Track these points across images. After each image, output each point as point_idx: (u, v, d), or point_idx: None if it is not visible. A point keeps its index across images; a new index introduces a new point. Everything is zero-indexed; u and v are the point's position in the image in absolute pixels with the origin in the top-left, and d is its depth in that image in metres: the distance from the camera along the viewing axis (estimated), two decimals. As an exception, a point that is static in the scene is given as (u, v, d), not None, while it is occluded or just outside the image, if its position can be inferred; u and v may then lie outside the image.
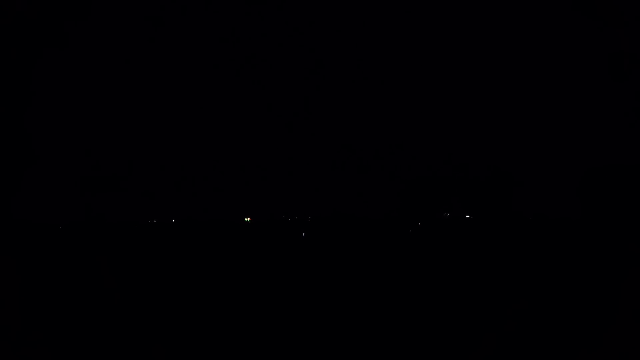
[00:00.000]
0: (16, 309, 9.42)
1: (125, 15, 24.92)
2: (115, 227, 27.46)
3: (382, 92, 27.99)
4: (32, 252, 17.56)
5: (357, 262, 17.61)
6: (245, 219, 31.96)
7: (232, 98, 28.80)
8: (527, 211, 25.94)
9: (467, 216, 28.46)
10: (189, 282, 13.25)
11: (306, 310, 9.96)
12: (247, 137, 29.65)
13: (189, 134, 28.37)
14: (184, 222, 30.38)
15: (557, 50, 23.74)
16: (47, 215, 25.38)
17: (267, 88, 28.87)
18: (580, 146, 23.28)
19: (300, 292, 11.79)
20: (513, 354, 7.39)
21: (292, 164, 29.37)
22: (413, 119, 27.96)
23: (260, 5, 25.95)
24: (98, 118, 26.62)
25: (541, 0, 23.03)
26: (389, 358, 7.44)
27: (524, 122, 25.78)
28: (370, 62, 27.57)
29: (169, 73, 27.77)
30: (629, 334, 7.67)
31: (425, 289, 11.99)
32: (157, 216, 30.52)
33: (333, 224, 30.95)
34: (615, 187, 20.94)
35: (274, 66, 28.20)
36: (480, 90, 26.46)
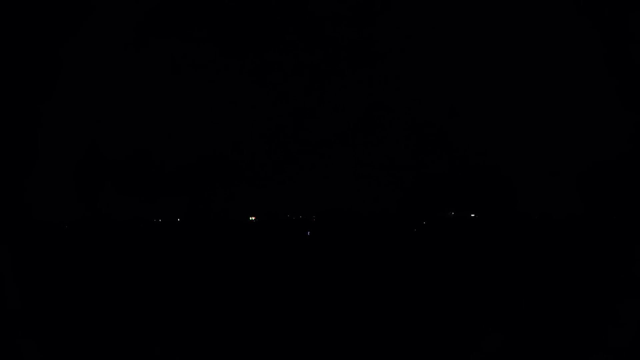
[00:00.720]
0: (17, 307, 9.46)
1: (127, 15, 24.97)
2: (121, 225, 27.56)
3: (388, 92, 28.00)
4: (35, 250, 17.62)
5: (362, 261, 17.62)
6: (250, 218, 32.04)
7: (237, 98, 28.85)
8: (531, 209, 25.92)
9: (472, 215, 28.46)
10: (194, 280, 13.29)
11: (311, 308, 9.97)
12: (252, 137, 29.70)
13: (193, 134, 28.44)
14: (188, 221, 30.47)
15: (559, 50, 23.71)
16: (51, 214, 25.47)
17: (272, 88, 28.91)
18: (582, 145, 23.25)
19: (305, 290, 11.80)
20: (519, 349, 7.40)
21: (296, 163, 29.40)
22: (417, 119, 27.95)
23: (269, 7, 25.97)
24: (103, 118, 26.69)
25: (541, 2, 23.03)
26: (395, 354, 7.45)
27: (527, 122, 25.76)
28: (377, 63, 27.57)
29: (172, 73, 27.83)
30: (632, 330, 7.68)
31: (429, 287, 11.99)
32: (162, 215, 30.63)
33: (338, 222, 30.95)
34: (618, 184, 20.91)
35: (279, 66, 28.23)
36: (484, 91, 26.45)
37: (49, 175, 24.76)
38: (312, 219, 30.13)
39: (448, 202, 28.68)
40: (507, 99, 26.06)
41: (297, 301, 10.68)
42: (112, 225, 26.95)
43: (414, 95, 27.83)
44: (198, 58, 27.60)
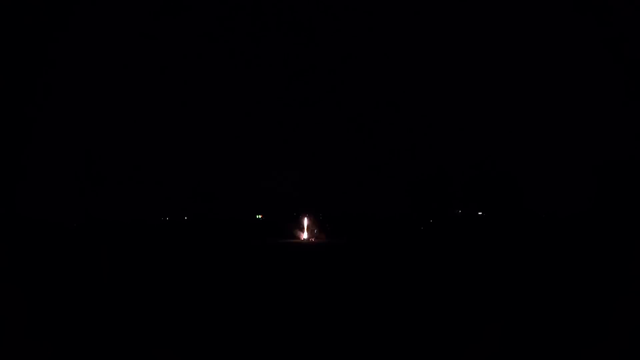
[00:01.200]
0: (18, 307, 9.56)
1: (127, 13, 25.09)
2: (127, 225, 27.80)
3: (394, 90, 27.96)
4: (38, 250, 17.78)
5: (368, 260, 17.64)
6: (257, 216, 32.24)
7: (242, 96, 28.94)
8: (539, 208, 25.79)
9: (479, 213, 28.35)
10: (201, 278, 13.37)
11: (317, 309, 9.99)
12: (258, 136, 29.80)
13: (199, 133, 28.60)
14: (195, 220, 30.71)
15: (565, 50, 23.52)
16: (54, 215, 25.70)
17: (277, 88, 28.98)
18: (589, 144, 23.08)
19: (311, 291, 11.83)
20: (520, 347, 7.38)
21: (303, 162, 29.47)
22: (425, 117, 27.89)
23: (277, 7, 26.01)
24: (107, 116, 26.93)
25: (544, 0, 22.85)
26: (401, 351, 7.46)
27: (534, 121, 25.60)
28: (382, 62, 27.53)
29: (174, 73, 27.98)
30: (633, 330, 7.63)
31: (437, 284, 11.98)
32: (169, 214, 30.92)
33: (345, 221, 31.02)
34: (624, 183, 20.72)
35: (284, 66, 28.29)
36: (492, 90, 26.31)
37: (52, 175, 24.98)
38: (319, 217, 30.22)
39: (455, 201, 28.63)
40: (516, 99, 25.91)
41: (303, 300, 10.72)
42: (119, 225, 27.18)
43: (422, 94, 27.76)
44: (200, 56, 27.68)
